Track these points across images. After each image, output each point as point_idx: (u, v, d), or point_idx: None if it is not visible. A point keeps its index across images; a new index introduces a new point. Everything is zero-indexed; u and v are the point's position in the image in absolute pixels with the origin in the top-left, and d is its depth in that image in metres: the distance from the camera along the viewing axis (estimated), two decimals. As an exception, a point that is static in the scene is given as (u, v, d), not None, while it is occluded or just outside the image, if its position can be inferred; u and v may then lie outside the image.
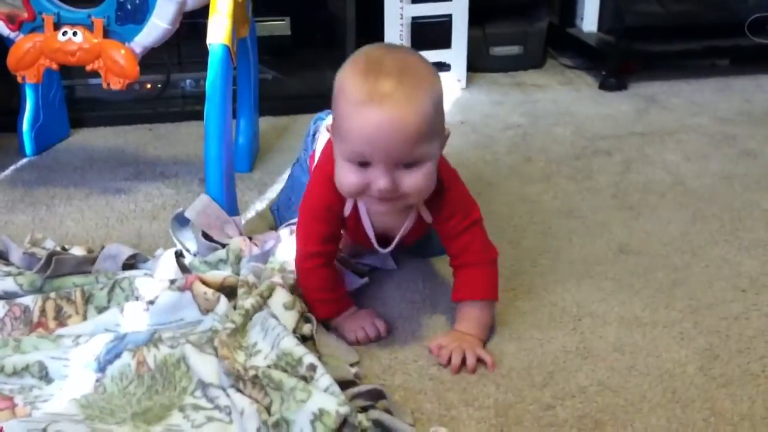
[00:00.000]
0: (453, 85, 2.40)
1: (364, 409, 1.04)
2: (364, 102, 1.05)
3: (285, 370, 1.06)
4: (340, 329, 1.23)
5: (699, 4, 2.55)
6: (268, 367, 1.07)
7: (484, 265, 1.23)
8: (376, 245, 1.27)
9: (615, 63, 2.43)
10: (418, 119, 1.05)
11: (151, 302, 1.21)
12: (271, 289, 1.22)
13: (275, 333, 1.12)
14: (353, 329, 1.22)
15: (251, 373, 1.04)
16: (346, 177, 1.11)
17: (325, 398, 0.98)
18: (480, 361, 1.15)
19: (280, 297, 1.21)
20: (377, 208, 1.18)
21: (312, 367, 1.04)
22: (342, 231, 1.30)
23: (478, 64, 2.52)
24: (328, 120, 1.18)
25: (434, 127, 1.09)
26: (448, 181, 1.21)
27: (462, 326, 1.20)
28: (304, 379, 1.03)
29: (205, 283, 1.23)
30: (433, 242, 1.36)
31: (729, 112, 2.21)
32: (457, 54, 2.38)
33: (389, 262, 1.40)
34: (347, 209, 1.23)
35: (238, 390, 1.03)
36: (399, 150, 1.06)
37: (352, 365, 1.14)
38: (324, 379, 1.02)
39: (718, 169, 1.84)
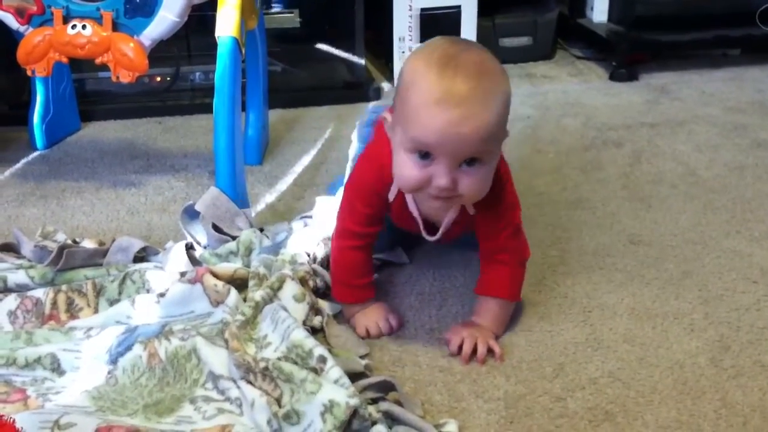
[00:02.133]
0: (462, 76, 2.39)
1: (374, 401, 1.04)
2: (440, 100, 1.03)
3: (295, 362, 1.06)
4: (352, 322, 1.23)
5: (709, -7, 2.53)
6: (279, 359, 1.07)
7: (514, 266, 1.23)
8: (424, 233, 1.25)
9: (625, 53, 2.41)
10: (492, 119, 1.05)
11: (162, 295, 1.21)
12: (281, 281, 1.22)
13: (285, 325, 1.13)
14: (365, 323, 1.22)
15: (262, 365, 1.04)
16: (408, 170, 1.09)
17: (335, 390, 0.98)
18: (489, 351, 1.16)
19: (290, 289, 1.22)
20: (430, 204, 1.16)
21: (322, 359, 1.05)
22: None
23: (487, 55, 2.51)
24: (386, 112, 1.17)
25: (501, 130, 1.09)
26: (502, 180, 1.19)
27: (478, 318, 1.21)
28: (315, 370, 1.04)
29: (215, 275, 1.23)
30: None
31: (740, 102, 2.20)
32: (466, 45, 2.37)
33: (402, 256, 1.40)
34: (392, 194, 1.22)
35: (249, 382, 1.04)
36: (469, 147, 1.05)
37: (362, 357, 1.14)
38: (334, 370, 1.03)
39: (729, 160, 1.83)
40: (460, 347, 1.16)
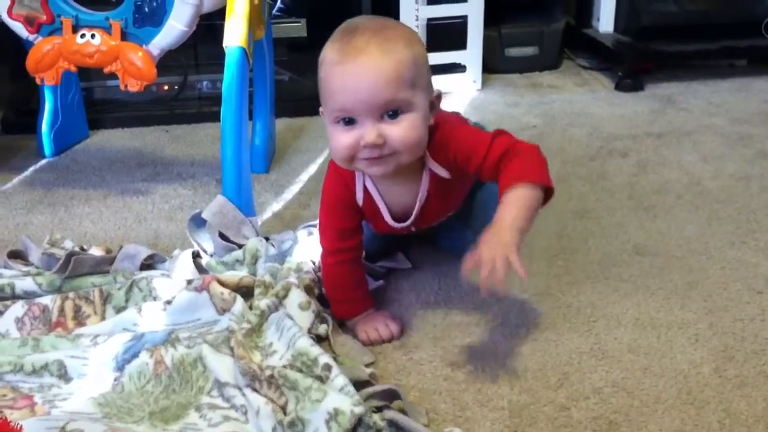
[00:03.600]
0: (468, 86, 2.41)
1: (378, 409, 1.04)
2: (340, 61, 1.07)
3: (300, 370, 1.07)
4: (353, 329, 1.24)
5: (715, 4, 2.54)
6: (284, 367, 1.07)
7: (530, 154, 1.15)
8: (391, 222, 1.25)
9: (631, 63, 2.42)
10: (394, 65, 1.06)
11: (169, 302, 1.22)
12: (286, 290, 1.23)
13: (291, 333, 1.13)
14: (366, 329, 1.23)
15: (267, 372, 1.04)
16: (337, 140, 1.11)
17: (340, 398, 0.99)
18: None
19: (296, 297, 1.22)
20: (375, 174, 1.15)
21: (327, 367, 1.05)
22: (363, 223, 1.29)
23: (493, 65, 2.52)
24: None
25: (415, 76, 1.09)
26: (450, 129, 1.19)
27: (503, 212, 1.09)
28: (320, 378, 1.04)
29: (221, 283, 1.24)
30: (480, 214, 1.32)
31: (746, 113, 2.20)
32: (472, 55, 2.38)
33: (404, 262, 1.40)
34: (360, 198, 1.23)
35: (254, 390, 1.04)
36: (380, 97, 1.06)
37: (367, 365, 1.15)
38: (339, 379, 1.03)
39: (734, 170, 1.83)
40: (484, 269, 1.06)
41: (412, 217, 1.24)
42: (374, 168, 1.13)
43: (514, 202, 1.10)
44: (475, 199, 1.34)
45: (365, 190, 1.23)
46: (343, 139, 1.10)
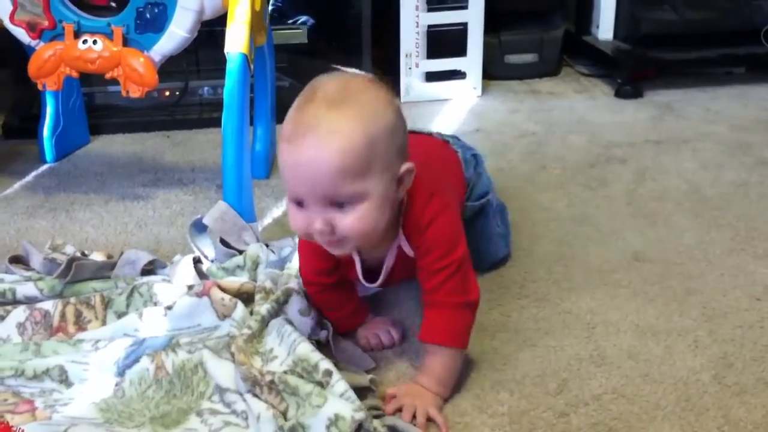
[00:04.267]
0: (468, 92, 2.41)
1: (379, 416, 1.05)
2: (289, 137, 0.99)
3: (301, 376, 1.07)
4: (355, 335, 1.24)
5: (715, 11, 2.54)
6: (285, 372, 1.08)
7: (455, 309, 1.11)
8: (362, 280, 1.20)
9: (630, 71, 2.43)
10: (340, 156, 0.96)
11: (169, 308, 1.22)
12: (287, 295, 1.23)
13: (291, 339, 1.14)
14: (367, 335, 1.23)
15: (268, 378, 1.05)
16: (293, 219, 1.05)
17: (340, 404, 0.99)
18: (430, 420, 1.06)
19: (296, 303, 1.22)
20: (335, 253, 1.10)
21: (328, 373, 1.05)
22: None
23: (493, 71, 2.53)
24: None
25: (368, 163, 0.99)
26: (432, 214, 1.10)
27: (422, 379, 1.11)
28: (320, 384, 1.04)
29: (222, 289, 1.24)
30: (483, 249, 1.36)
31: (745, 120, 2.21)
32: (472, 61, 2.39)
33: None
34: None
35: (255, 395, 1.04)
36: (323, 188, 0.98)
37: (367, 372, 1.15)
38: (340, 384, 1.03)
39: (733, 178, 1.84)
40: (395, 412, 1.08)
41: (380, 280, 1.19)
42: (331, 249, 1.07)
43: (440, 366, 1.11)
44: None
45: None
46: (297, 219, 1.03)
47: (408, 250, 1.14)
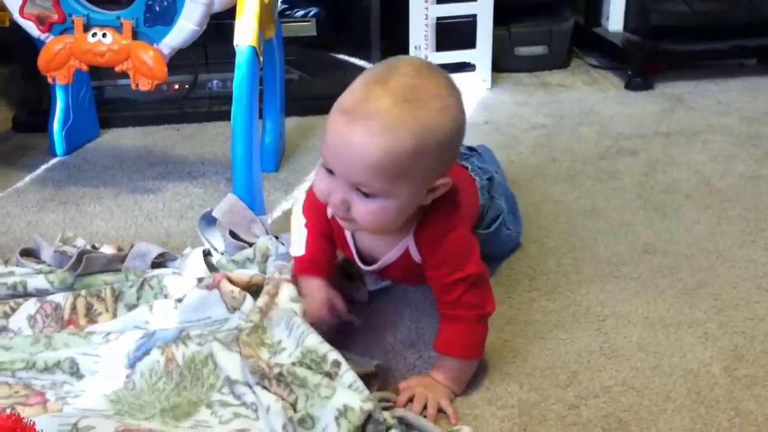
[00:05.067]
0: (478, 84, 2.41)
1: (388, 407, 1.05)
2: (345, 112, 0.98)
3: (310, 367, 1.07)
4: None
5: (725, 3, 2.53)
6: (293, 364, 1.08)
7: (470, 322, 1.12)
8: (357, 261, 1.20)
9: (641, 63, 2.42)
10: (382, 155, 0.96)
11: (180, 300, 1.22)
12: (276, 287, 1.22)
13: (300, 331, 1.14)
14: (308, 309, 1.18)
15: (276, 370, 1.05)
16: (318, 180, 1.05)
17: (349, 395, 0.99)
18: (441, 411, 1.08)
19: (287, 292, 1.22)
20: (342, 226, 1.12)
21: (336, 364, 1.06)
22: None
23: (502, 64, 2.52)
24: None
25: (406, 171, 0.99)
26: (449, 225, 1.10)
27: (436, 374, 1.12)
28: (329, 375, 1.05)
29: (232, 281, 1.24)
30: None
31: (756, 112, 2.20)
32: (481, 54, 2.38)
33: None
34: (329, 211, 1.15)
35: (264, 387, 1.04)
36: (354, 174, 0.99)
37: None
38: (348, 375, 1.03)
39: (744, 170, 1.83)
40: (406, 402, 1.09)
41: (376, 266, 1.18)
42: (340, 222, 1.09)
43: (454, 369, 1.12)
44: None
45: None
46: (322, 183, 1.04)
47: (415, 255, 1.13)
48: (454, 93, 1.04)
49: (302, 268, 1.23)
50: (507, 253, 1.45)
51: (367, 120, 0.96)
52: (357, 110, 0.97)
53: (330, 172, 1.02)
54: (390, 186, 0.99)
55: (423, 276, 1.15)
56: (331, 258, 1.25)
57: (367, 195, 1.01)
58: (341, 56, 2.42)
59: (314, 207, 1.20)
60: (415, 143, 0.97)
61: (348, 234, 1.18)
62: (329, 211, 1.15)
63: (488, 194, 1.36)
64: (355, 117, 0.97)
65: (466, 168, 1.36)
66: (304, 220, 1.25)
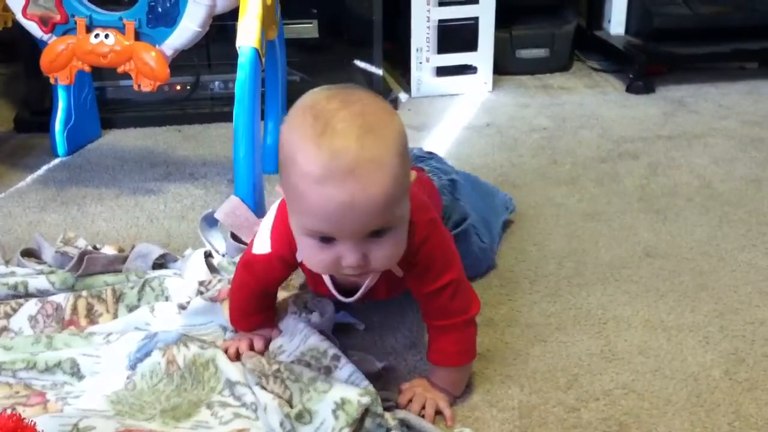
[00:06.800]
0: (479, 87, 2.41)
1: (389, 408, 1.05)
2: (323, 179, 0.89)
3: (309, 364, 1.08)
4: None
5: (727, 6, 2.53)
6: (291, 362, 1.09)
7: (459, 329, 1.09)
8: (336, 294, 1.12)
9: (642, 66, 2.42)
10: (388, 187, 0.91)
11: (183, 308, 1.23)
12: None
13: (303, 334, 1.14)
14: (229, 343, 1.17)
15: (274, 367, 1.06)
16: (314, 256, 0.98)
17: (346, 389, 1.00)
18: (439, 413, 1.08)
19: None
20: (347, 279, 1.07)
21: (336, 357, 1.07)
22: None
23: (504, 66, 2.52)
24: (278, 186, 1.01)
25: (403, 186, 0.95)
26: (421, 236, 1.05)
27: (434, 378, 1.11)
28: (328, 369, 1.05)
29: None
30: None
31: (757, 116, 2.20)
32: (483, 56, 2.39)
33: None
34: (299, 257, 1.06)
35: (262, 387, 1.05)
36: (371, 224, 0.93)
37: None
38: (347, 367, 1.04)
39: (745, 173, 1.83)
40: (407, 402, 1.09)
41: (358, 294, 1.11)
42: (353, 279, 1.05)
43: (451, 374, 1.11)
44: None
45: None
46: (321, 256, 0.96)
47: (397, 271, 1.07)
48: (371, 92, 1.00)
49: (238, 323, 1.19)
50: (481, 272, 1.40)
51: (352, 172, 0.89)
52: (333, 171, 0.89)
53: (325, 241, 0.95)
54: (399, 210, 0.95)
55: (405, 286, 1.12)
56: (270, 307, 1.21)
57: (381, 234, 0.95)
58: (343, 58, 2.42)
59: (276, 259, 1.10)
60: (397, 157, 0.93)
61: (327, 278, 1.10)
62: (326, 278, 1.10)
63: (451, 195, 1.33)
64: (339, 178, 0.89)
65: (422, 169, 1.34)
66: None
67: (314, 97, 0.96)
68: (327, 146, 0.89)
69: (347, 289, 1.12)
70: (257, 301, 1.17)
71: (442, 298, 1.07)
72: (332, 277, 1.10)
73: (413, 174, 1.00)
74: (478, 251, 1.38)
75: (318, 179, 0.90)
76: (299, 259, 1.07)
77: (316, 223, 0.93)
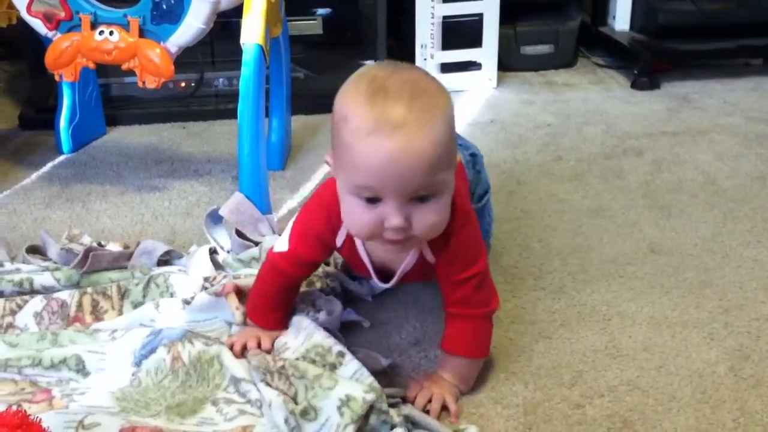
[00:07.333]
0: (484, 83, 2.41)
1: (394, 405, 1.05)
2: (373, 131, 0.94)
3: (314, 360, 1.08)
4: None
5: (732, 2, 2.53)
6: (296, 359, 1.09)
7: (477, 320, 1.12)
8: (375, 279, 1.17)
9: (647, 62, 2.41)
10: (434, 147, 0.95)
11: (188, 303, 1.23)
12: None
13: (307, 331, 1.14)
14: (235, 339, 1.18)
15: (279, 364, 1.06)
16: (357, 217, 1.00)
17: (351, 385, 1.00)
18: (444, 408, 1.08)
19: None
20: (386, 248, 1.09)
21: (341, 354, 1.07)
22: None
23: (508, 62, 2.52)
24: (327, 155, 1.05)
25: (450, 154, 0.99)
26: (459, 222, 1.08)
27: (443, 372, 1.12)
28: (333, 365, 1.06)
29: (240, 289, 1.24)
30: None
31: (762, 112, 2.20)
32: (488, 53, 2.38)
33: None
34: (340, 240, 1.13)
35: (267, 383, 1.05)
36: (415, 182, 0.95)
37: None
38: (352, 363, 1.04)
39: (750, 170, 1.83)
40: (415, 397, 1.09)
41: (394, 280, 1.16)
42: (394, 247, 1.05)
43: (460, 368, 1.12)
44: None
45: (349, 236, 1.12)
46: (365, 216, 0.99)
47: (430, 257, 1.11)
48: (426, 71, 1.05)
49: (256, 317, 1.20)
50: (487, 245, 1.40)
51: (401, 127, 0.94)
52: (383, 124, 0.94)
53: (371, 201, 0.98)
54: (445, 175, 0.98)
55: (433, 271, 1.14)
56: (290, 305, 1.23)
57: (425, 200, 0.98)
58: (347, 55, 2.42)
59: (315, 239, 1.14)
60: (447, 125, 0.98)
61: (364, 255, 1.14)
62: (366, 260, 1.13)
63: (473, 169, 1.35)
64: (388, 130, 0.94)
65: None
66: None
67: (368, 68, 1.02)
68: (380, 103, 0.95)
69: (384, 274, 1.16)
70: (278, 298, 1.20)
71: (467, 288, 1.10)
72: (372, 263, 1.15)
73: (458, 154, 1.04)
74: (487, 225, 1.39)
75: (369, 131, 0.94)
76: (338, 243, 1.13)
77: (363, 176, 0.96)
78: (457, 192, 1.06)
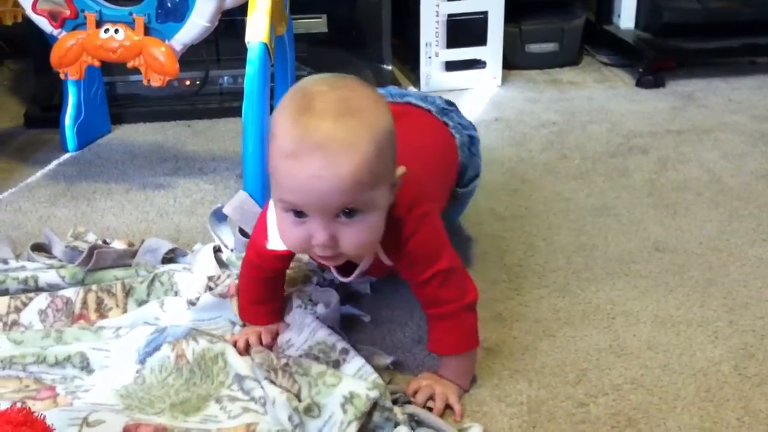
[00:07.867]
0: (488, 81, 2.40)
1: (397, 402, 1.06)
2: (294, 152, 0.93)
3: (317, 357, 1.09)
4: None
5: (737, 1, 2.52)
6: (300, 356, 1.10)
7: (455, 316, 1.10)
8: (335, 273, 1.17)
9: (652, 60, 2.41)
10: (356, 167, 0.93)
11: (193, 303, 1.23)
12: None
13: (311, 328, 1.15)
14: (238, 336, 1.19)
15: (283, 361, 1.06)
16: (288, 230, 1.00)
17: (354, 382, 1.00)
18: (448, 407, 1.08)
19: (294, 302, 1.24)
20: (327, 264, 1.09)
21: (344, 351, 1.07)
22: None
23: (513, 61, 2.52)
24: None
25: (378, 174, 0.96)
26: (408, 230, 1.06)
27: (443, 371, 1.12)
28: (336, 363, 1.06)
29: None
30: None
31: (767, 110, 2.19)
32: (492, 51, 2.38)
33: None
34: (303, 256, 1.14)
35: (271, 381, 1.05)
36: (337, 201, 0.94)
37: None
38: (356, 360, 1.05)
39: (755, 168, 1.82)
40: (415, 394, 1.10)
41: (352, 277, 1.15)
42: (326, 261, 1.05)
43: (456, 364, 1.12)
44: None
45: None
46: (295, 230, 0.99)
47: (386, 260, 1.10)
48: (367, 84, 1.02)
49: (246, 315, 1.21)
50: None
51: (321, 148, 0.92)
52: (304, 145, 0.93)
53: (298, 215, 0.98)
54: (371, 194, 0.96)
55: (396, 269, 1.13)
56: (278, 299, 1.23)
57: (350, 216, 0.96)
58: (352, 53, 2.42)
59: (266, 252, 1.14)
60: (374, 144, 0.94)
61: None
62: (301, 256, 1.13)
63: (469, 151, 1.34)
64: (307, 153, 0.93)
65: (447, 125, 1.34)
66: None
67: (307, 80, 1.00)
68: (303, 122, 0.93)
69: (346, 268, 1.14)
70: (260, 291, 1.20)
71: (431, 287, 1.08)
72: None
73: (401, 169, 1.01)
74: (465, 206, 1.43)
75: (290, 153, 0.93)
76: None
77: (287, 194, 0.96)
78: (408, 203, 1.05)
